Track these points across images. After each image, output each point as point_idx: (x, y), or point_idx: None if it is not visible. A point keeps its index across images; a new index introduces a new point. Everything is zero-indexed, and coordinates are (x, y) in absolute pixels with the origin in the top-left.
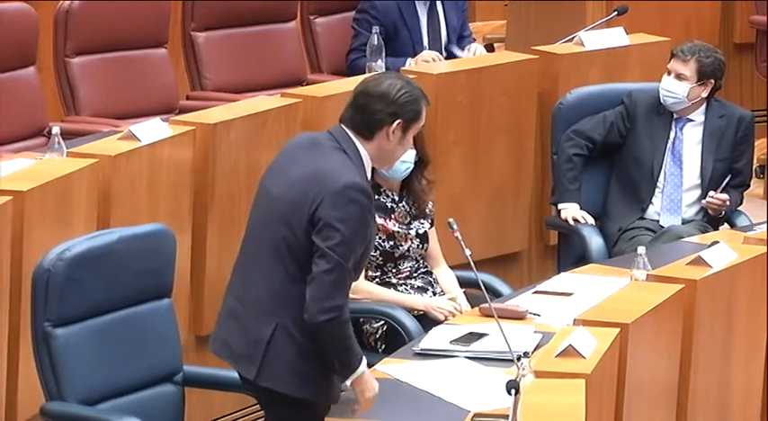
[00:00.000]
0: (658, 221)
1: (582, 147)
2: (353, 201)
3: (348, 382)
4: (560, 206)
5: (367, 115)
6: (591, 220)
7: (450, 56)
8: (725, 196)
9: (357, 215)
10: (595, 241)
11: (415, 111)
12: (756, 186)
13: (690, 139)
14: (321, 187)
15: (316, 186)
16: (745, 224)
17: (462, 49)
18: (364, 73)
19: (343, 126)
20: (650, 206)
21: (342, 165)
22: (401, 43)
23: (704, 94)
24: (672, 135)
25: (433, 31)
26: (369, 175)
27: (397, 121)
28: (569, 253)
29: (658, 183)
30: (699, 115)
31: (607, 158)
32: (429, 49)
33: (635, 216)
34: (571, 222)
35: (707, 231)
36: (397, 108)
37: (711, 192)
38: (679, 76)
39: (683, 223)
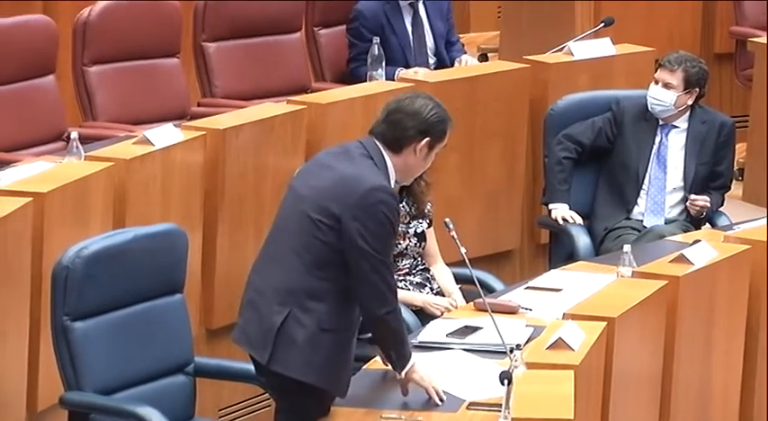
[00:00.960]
0: (642, 222)
1: (571, 150)
2: (381, 202)
3: (403, 374)
4: (551, 206)
5: (398, 131)
6: (579, 220)
7: (442, 62)
8: (705, 198)
9: (386, 214)
10: (583, 240)
11: (442, 130)
12: (736, 188)
13: (674, 144)
14: (349, 191)
15: (343, 190)
16: (726, 224)
17: (454, 62)
18: (365, 81)
19: (373, 138)
20: (635, 207)
21: (368, 169)
22: (392, 49)
23: (690, 102)
24: (657, 140)
25: (419, 37)
26: (392, 185)
27: (426, 139)
28: (560, 251)
29: (643, 186)
30: (683, 122)
31: (595, 162)
32: (416, 54)
33: (620, 216)
34: (560, 222)
35: (689, 231)
36: (428, 126)
37: (693, 195)
38: (666, 85)
39: (665, 223)
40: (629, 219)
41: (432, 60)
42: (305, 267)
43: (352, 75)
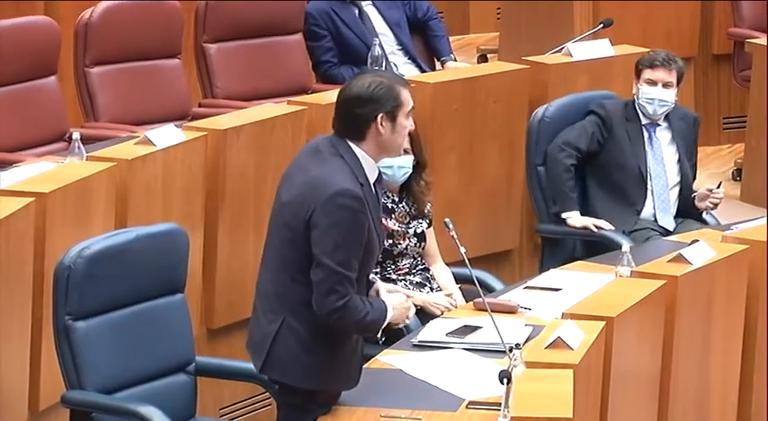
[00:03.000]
0: (656, 221)
1: (574, 157)
2: (343, 207)
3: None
4: (565, 215)
5: (351, 121)
6: (610, 225)
7: (409, 54)
8: (713, 187)
9: (347, 220)
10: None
11: (393, 98)
12: (733, 188)
13: (663, 141)
14: (314, 195)
15: (311, 194)
16: (706, 220)
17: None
18: (340, 83)
19: (336, 134)
20: (644, 207)
21: (335, 171)
22: (353, 44)
23: (677, 97)
24: (647, 138)
25: (369, 32)
26: (375, 173)
27: (380, 115)
28: (557, 255)
29: (647, 185)
30: (663, 119)
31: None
32: (378, 46)
33: (631, 218)
34: (593, 230)
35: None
36: (374, 104)
37: (715, 190)
38: (666, 85)
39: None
40: (640, 220)
41: (393, 48)
42: (290, 275)
43: (325, 80)
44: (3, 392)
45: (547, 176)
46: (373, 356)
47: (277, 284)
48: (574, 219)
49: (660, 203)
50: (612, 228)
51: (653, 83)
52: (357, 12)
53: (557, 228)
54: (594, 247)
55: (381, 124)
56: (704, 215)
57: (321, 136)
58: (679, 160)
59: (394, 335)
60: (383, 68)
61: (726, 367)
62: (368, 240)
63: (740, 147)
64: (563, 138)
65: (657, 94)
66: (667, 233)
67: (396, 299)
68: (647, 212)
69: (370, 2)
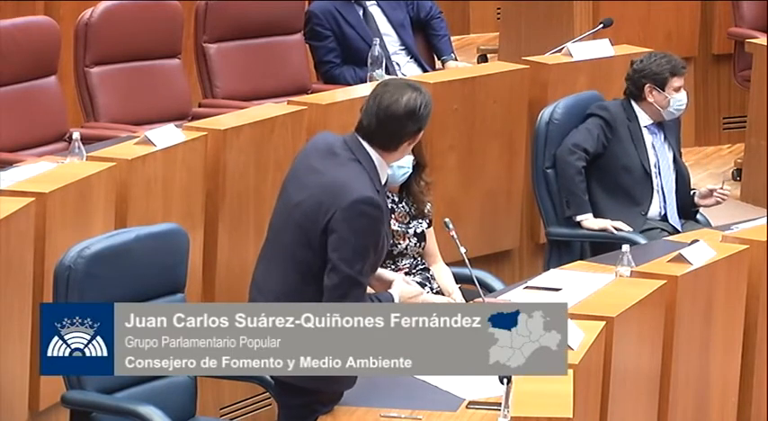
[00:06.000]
0: (667, 220)
1: (584, 159)
2: (363, 215)
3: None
4: (580, 217)
5: (395, 132)
6: (628, 227)
7: (414, 55)
8: (715, 187)
9: (367, 228)
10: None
11: (428, 118)
12: (733, 188)
13: (661, 141)
14: (334, 200)
15: (329, 198)
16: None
17: (438, 50)
18: (341, 83)
19: (359, 137)
20: (650, 207)
21: (355, 177)
22: (356, 45)
23: None
24: (650, 140)
25: (373, 32)
26: (385, 179)
27: (421, 132)
28: (562, 255)
29: (654, 185)
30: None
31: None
32: (378, 46)
33: (638, 219)
34: (614, 231)
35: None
36: (420, 122)
37: (723, 188)
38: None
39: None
40: (647, 221)
41: (396, 48)
42: (302, 277)
43: (326, 80)
44: (3, 392)
45: (558, 179)
46: None
47: (285, 284)
48: (590, 221)
49: (669, 201)
50: (631, 229)
51: (679, 89)
52: (361, 12)
53: (568, 230)
54: (603, 250)
55: (413, 140)
56: (697, 215)
57: (328, 134)
58: (674, 158)
59: None
60: (383, 68)
61: (725, 366)
62: (381, 247)
63: (740, 147)
64: (572, 141)
65: (685, 99)
66: (675, 231)
67: (404, 289)
68: (653, 212)
69: (375, 2)
